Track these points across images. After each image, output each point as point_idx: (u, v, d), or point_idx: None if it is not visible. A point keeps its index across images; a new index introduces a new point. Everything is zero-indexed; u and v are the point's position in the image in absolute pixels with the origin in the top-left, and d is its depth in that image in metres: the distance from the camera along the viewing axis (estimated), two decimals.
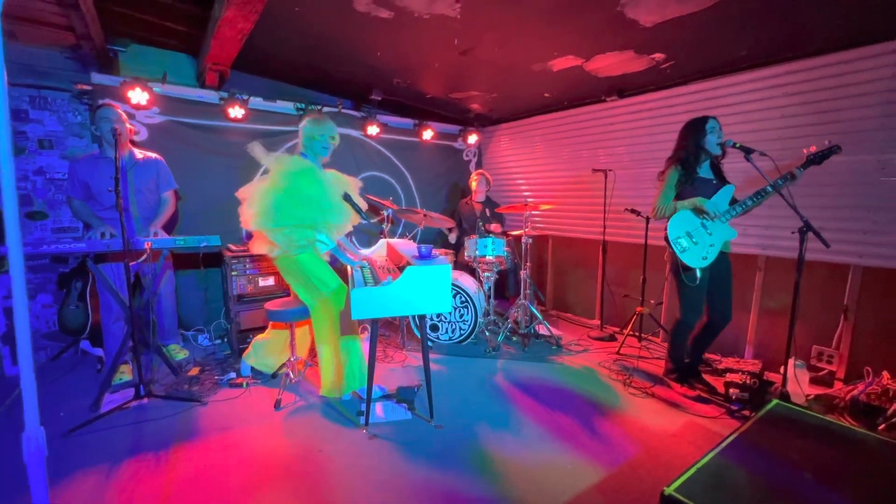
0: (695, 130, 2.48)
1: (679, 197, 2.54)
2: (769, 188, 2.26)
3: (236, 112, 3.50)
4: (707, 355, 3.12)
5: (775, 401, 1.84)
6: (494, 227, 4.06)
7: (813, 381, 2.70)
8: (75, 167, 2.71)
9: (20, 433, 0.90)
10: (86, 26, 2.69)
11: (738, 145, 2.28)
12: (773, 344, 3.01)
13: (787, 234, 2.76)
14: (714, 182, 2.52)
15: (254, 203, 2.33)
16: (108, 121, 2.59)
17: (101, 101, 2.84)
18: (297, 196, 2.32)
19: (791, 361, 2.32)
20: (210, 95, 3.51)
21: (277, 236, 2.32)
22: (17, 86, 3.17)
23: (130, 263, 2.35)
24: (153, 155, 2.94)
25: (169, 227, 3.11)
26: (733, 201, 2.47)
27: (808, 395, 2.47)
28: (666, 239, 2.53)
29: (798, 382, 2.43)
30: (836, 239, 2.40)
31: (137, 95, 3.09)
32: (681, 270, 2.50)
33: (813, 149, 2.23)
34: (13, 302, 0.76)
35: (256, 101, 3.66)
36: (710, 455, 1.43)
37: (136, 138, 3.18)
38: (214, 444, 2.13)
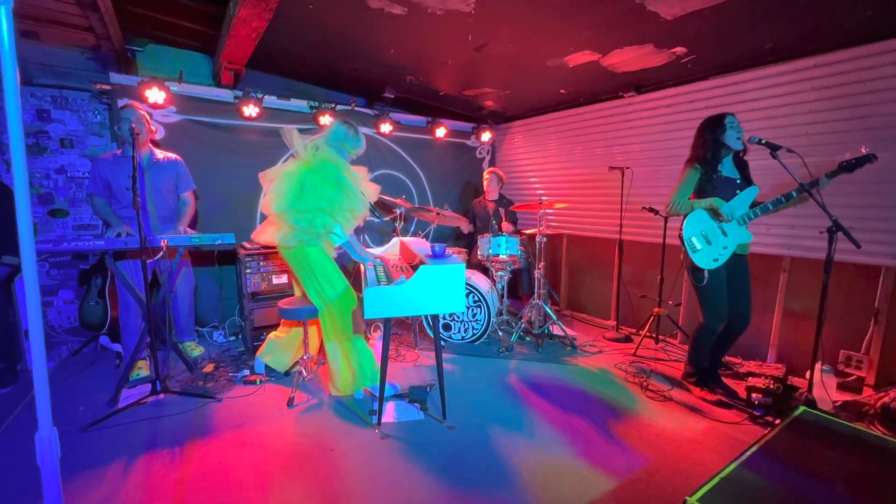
0: (713, 126, 2.41)
1: (698, 196, 2.47)
2: (794, 193, 2.18)
3: (251, 110, 3.53)
4: (728, 358, 3.03)
5: (802, 407, 1.77)
6: (505, 227, 4.01)
7: (840, 387, 2.60)
8: (97, 164, 2.76)
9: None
10: (105, 27, 2.73)
11: (763, 142, 2.20)
12: (798, 348, 2.91)
13: (813, 233, 2.67)
14: (738, 182, 2.44)
15: (283, 185, 2.32)
16: (127, 121, 2.63)
17: (123, 102, 2.89)
18: (329, 179, 2.33)
19: (818, 366, 2.23)
20: (225, 94, 3.54)
21: (299, 219, 2.30)
22: (41, 86, 3.25)
23: (148, 261, 2.37)
24: (173, 155, 2.97)
25: (189, 227, 3.16)
26: (755, 203, 2.39)
27: (835, 402, 2.38)
28: (680, 237, 2.48)
29: (825, 388, 2.34)
30: (866, 239, 2.29)
31: (154, 94, 3.13)
32: (690, 270, 2.45)
33: (847, 155, 2.13)
34: (27, 305, 0.76)
35: (270, 100, 3.68)
36: (736, 463, 1.37)
37: (154, 137, 3.23)
38: (228, 440, 2.14)
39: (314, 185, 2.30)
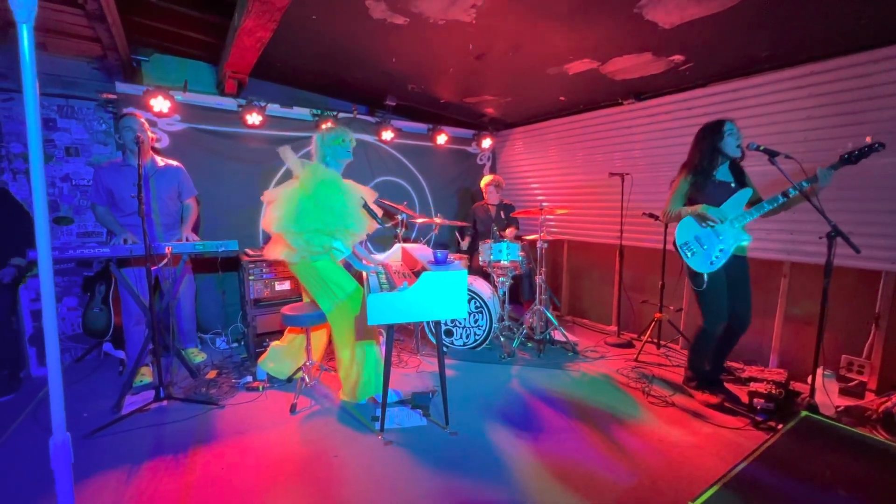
0: (711, 133, 2.43)
1: (691, 203, 2.50)
2: (792, 191, 2.19)
3: (254, 119, 3.57)
4: (729, 364, 3.03)
5: (804, 412, 1.77)
6: (508, 232, 4.03)
7: (842, 392, 2.59)
8: (99, 174, 2.77)
9: (44, 434, 0.91)
10: (111, 37, 2.77)
11: (762, 148, 2.21)
12: (799, 353, 2.91)
13: (812, 238, 2.68)
14: (732, 185, 2.46)
15: (280, 206, 2.38)
16: (131, 129, 2.65)
17: (124, 111, 2.92)
18: (323, 202, 2.37)
19: (819, 371, 2.24)
20: (229, 103, 3.58)
21: (297, 240, 2.35)
22: (47, 95, 3.28)
23: (152, 268, 2.39)
24: (174, 163, 3.00)
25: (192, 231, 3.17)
26: (751, 204, 2.41)
27: (837, 407, 2.38)
28: (674, 245, 2.51)
29: (827, 393, 2.34)
30: (866, 244, 2.30)
31: (159, 103, 3.16)
32: (690, 275, 2.47)
33: (850, 146, 2.13)
34: (42, 308, 0.77)
35: (273, 108, 3.72)
36: (738, 468, 1.38)
37: (157, 145, 3.26)
38: (232, 447, 2.15)
39: (308, 209, 2.35)
